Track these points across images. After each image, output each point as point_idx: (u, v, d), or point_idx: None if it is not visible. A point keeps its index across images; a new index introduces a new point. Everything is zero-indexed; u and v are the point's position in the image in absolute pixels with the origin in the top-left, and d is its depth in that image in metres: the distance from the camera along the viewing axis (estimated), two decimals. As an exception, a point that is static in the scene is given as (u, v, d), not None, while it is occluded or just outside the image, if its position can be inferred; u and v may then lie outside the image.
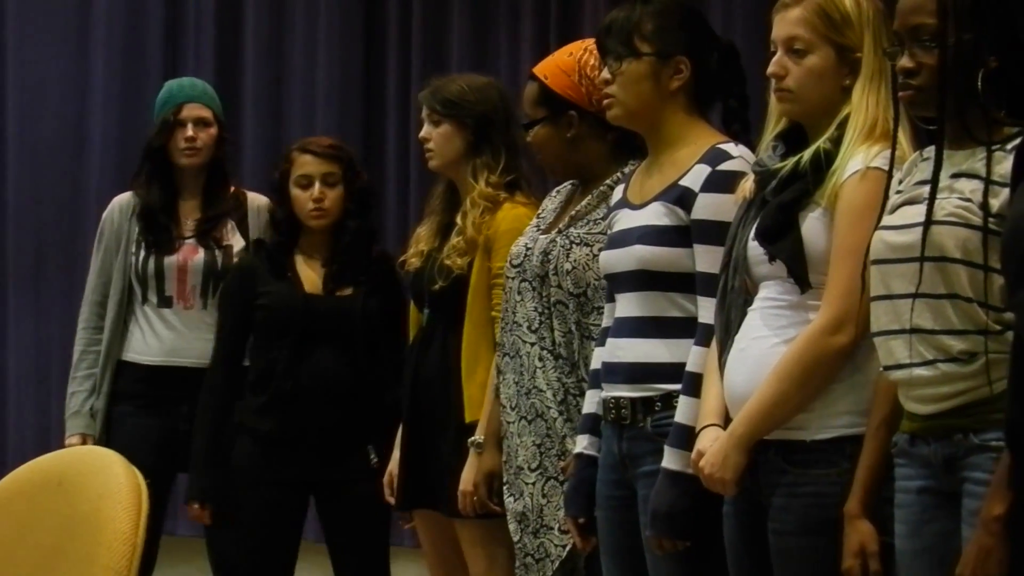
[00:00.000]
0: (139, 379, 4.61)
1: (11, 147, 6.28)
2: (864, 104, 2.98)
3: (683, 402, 3.19)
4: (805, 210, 2.97)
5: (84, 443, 4.50)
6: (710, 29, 3.48)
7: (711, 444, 3.03)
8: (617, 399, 3.33)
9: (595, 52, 3.57)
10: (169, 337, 4.59)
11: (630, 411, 3.31)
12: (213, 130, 4.70)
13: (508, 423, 3.74)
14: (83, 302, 4.71)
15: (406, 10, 5.85)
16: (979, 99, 2.51)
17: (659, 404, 3.28)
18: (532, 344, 3.67)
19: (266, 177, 4.75)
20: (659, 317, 3.30)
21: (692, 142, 3.34)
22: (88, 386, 4.64)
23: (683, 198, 3.28)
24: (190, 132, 4.65)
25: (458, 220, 4.02)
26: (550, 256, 3.65)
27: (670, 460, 3.18)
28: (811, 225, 2.97)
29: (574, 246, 3.63)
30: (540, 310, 3.66)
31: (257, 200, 4.69)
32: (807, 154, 2.99)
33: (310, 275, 4.39)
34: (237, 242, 4.63)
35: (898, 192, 2.77)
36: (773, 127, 3.10)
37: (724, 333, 3.08)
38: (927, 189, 2.64)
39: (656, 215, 3.30)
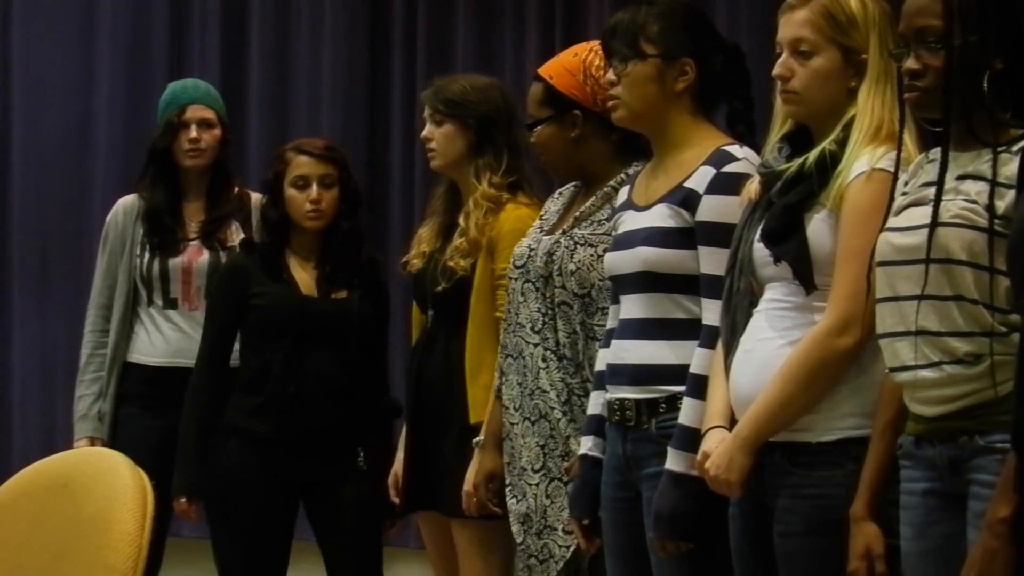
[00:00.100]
0: (144, 380, 4.61)
1: (16, 148, 6.28)
2: (870, 106, 2.98)
3: (687, 404, 3.19)
4: (810, 212, 2.97)
5: (92, 446, 4.50)
6: (715, 31, 3.48)
7: (716, 446, 3.03)
8: (622, 401, 3.33)
9: (600, 52, 3.57)
10: (174, 338, 4.59)
11: (634, 413, 3.31)
12: (217, 131, 4.71)
13: (511, 424, 3.74)
14: (89, 305, 4.71)
15: (411, 11, 5.85)
16: (985, 101, 2.50)
17: (664, 406, 3.28)
18: (535, 345, 3.67)
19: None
20: (664, 319, 3.30)
21: (697, 144, 3.34)
22: (95, 389, 4.64)
23: (688, 200, 3.27)
24: (194, 133, 4.66)
25: (460, 221, 4.02)
26: (554, 257, 3.65)
27: (673, 462, 3.18)
28: (816, 227, 2.96)
29: (578, 247, 3.63)
30: (544, 311, 3.66)
31: (261, 201, 4.69)
32: (812, 155, 2.99)
33: (303, 276, 4.38)
34: (242, 243, 4.64)
35: (904, 194, 2.77)
36: (779, 129, 3.10)
37: (730, 335, 3.08)
38: (933, 191, 2.64)
39: (661, 217, 3.30)
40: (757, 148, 3.25)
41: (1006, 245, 2.44)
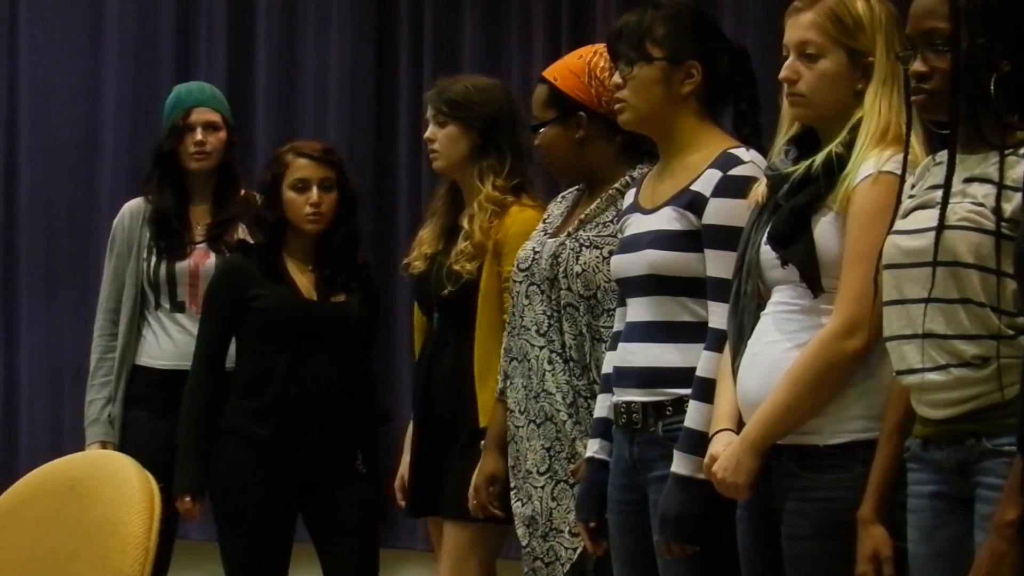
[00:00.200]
0: (152, 383, 4.62)
1: (24, 151, 6.28)
2: (876, 108, 2.98)
3: (693, 407, 3.19)
4: (817, 214, 2.97)
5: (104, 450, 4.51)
6: (721, 33, 3.48)
7: (724, 448, 3.03)
8: (628, 403, 3.33)
9: (605, 54, 3.57)
10: (182, 341, 4.59)
11: (641, 415, 3.31)
12: (222, 134, 4.71)
13: (516, 428, 3.74)
14: (98, 309, 4.72)
15: (418, 13, 5.85)
16: (992, 103, 2.51)
17: (670, 408, 3.28)
18: (541, 348, 3.67)
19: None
20: (670, 322, 3.30)
21: (703, 147, 3.34)
22: (106, 393, 4.65)
23: (694, 203, 3.27)
24: (199, 136, 4.66)
25: (464, 224, 4.01)
26: (559, 259, 3.65)
27: (679, 465, 3.18)
28: (823, 229, 2.96)
29: (584, 249, 3.63)
30: (549, 313, 3.66)
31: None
32: (819, 158, 2.99)
33: (302, 279, 4.37)
34: (248, 246, 4.64)
35: (911, 196, 2.76)
36: (785, 131, 3.10)
37: (737, 338, 3.08)
38: (940, 193, 2.64)
39: (667, 220, 3.30)
40: (763, 151, 3.25)
41: (1013, 248, 2.45)
